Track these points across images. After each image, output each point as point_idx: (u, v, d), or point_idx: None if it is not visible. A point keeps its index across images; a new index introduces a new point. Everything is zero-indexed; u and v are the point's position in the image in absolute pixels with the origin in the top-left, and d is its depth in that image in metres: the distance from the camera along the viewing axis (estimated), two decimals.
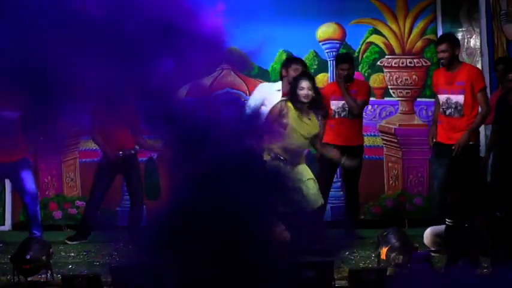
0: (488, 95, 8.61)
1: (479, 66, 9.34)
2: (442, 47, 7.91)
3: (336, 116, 8.90)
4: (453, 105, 7.74)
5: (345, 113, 8.90)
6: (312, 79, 7.71)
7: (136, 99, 5.73)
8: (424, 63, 10.17)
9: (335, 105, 8.90)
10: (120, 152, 8.97)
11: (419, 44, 10.18)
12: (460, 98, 7.72)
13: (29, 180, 7.75)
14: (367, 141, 10.07)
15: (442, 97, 7.85)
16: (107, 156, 8.98)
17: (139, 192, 9.17)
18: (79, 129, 9.90)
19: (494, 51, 8.79)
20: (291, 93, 7.67)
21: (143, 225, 9.42)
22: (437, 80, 8.04)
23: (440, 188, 8.00)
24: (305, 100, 7.54)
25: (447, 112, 7.79)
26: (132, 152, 9.12)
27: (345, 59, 9.10)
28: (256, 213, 5.32)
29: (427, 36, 10.13)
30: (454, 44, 7.93)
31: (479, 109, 7.90)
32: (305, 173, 7.57)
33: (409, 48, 10.19)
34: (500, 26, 8.80)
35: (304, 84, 7.57)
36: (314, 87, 7.61)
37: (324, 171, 8.71)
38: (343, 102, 8.87)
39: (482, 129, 8.88)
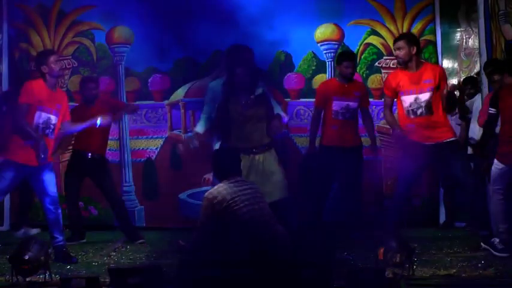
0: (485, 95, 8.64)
1: (477, 66, 9.35)
2: (399, 44, 7.78)
3: (340, 118, 8.88)
4: (423, 104, 7.69)
5: (349, 114, 8.89)
6: None
7: None
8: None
9: (338, 105, 8.89)
10: (89, 154, 8.99)
11: None
12: (427, 96, 7.68)
13: (50, 184, 7.75)
14: (365, 141, 10.08)
15: (409, 98, 7.75)
16: (76, 156, 9.07)
17: (113, 192, 9.16)
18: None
19: (492, 52, 8.78)
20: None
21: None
22: (399, 81, 7.82)
23: (407, 189, 7.95)
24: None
25: (418, 112, 7.71)
26: (100, 156, 9.10)
27: (349, 57, 9.09)
28: None
29: (425, 37, 10.14)
30: (411, 42, 7.77)
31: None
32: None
33: None
34: (499, 26, 8.79)
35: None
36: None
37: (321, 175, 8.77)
38: (347, 103, 8.86)
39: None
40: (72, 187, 9.07)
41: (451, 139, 7.72)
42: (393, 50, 8.13)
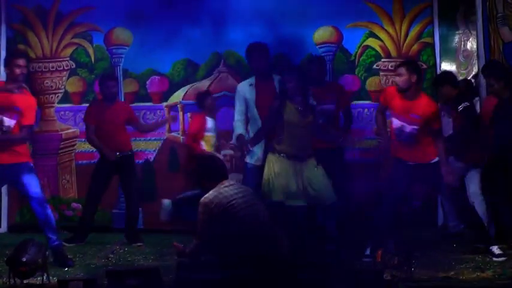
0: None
1: (475, 68, 9.35)
2: (399, 70, 7.74)
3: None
4: (407, 135, 7.69)
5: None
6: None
7: None
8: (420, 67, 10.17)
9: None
10: (118, 153, 9.01)
11: (415, 47, 10.18)
12: (414, 129, 7.66)
13: (32, 185, 7.70)
14: (364, 144, 10.09)
15: (396, 121, 7.74)
16: (105, 157, 9.01)
17: (135, 193, 9.18)
18: (75, 130, 9.97)
19: (490, 54, 8.78)
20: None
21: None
22: (392, 101, 7.80)
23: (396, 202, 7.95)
24: None
25: (400, 138, 7.72)
26: (129, 153, 9.17)
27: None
28: None
29: (424, 40, 10.14)
30: (412, 70, 7.72)
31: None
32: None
33: (405, 52, 10.19)
34: (497, 29, 8.80)
35: None
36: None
37: None
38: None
39: None
40: (97, 190, 9.05)
41: (435, 160, 7.73)
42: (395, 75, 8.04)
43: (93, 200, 9.10)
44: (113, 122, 9.02)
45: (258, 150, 8.42)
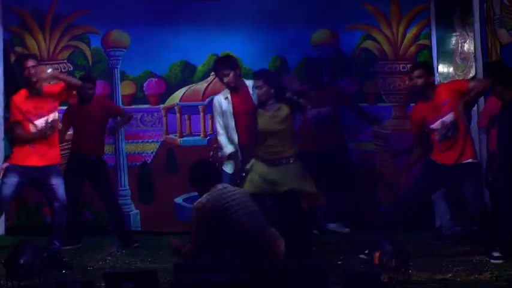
0: (482, 99, 8.62)
1: (473, 70, 9.35)
2: (418, 72, 7.73)
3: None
4: (451, 125, 7.68)
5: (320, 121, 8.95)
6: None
7: None
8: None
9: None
10: (87, 156, 8.99)
11: (412, 49, 10.19)
12: (452, 117, 7.67)
13: (59, 188, 7.77)
14: (360, 146, 10.10)
15: (436, 124, 7.75)
16: (73, 160, 9.07)
17: (111, 195, 9.18)
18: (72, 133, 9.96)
19: (488, 56, 8.79)
20: None
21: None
22: (423, 116, 7.79)
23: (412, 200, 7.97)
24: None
25: (449, 134, 7.72)
26: (97, 157, 9.11)
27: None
28: None
29: (421, 42, 10.16)
30: (429, 71, 7.81)
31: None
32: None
33: (403, 54, 10.20)
34: (494, 31, 8.80)
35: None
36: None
37: None
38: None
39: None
40: (72, 190, 9.04)
41: (468, 161, 7.73)
42: (410, 79, 7.93)
43: (69, 202, 9.03)
44: (88, 123, 8.98)
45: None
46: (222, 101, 8.27)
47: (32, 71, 7.71)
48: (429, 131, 7.79)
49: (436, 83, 9.13)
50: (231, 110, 8.19)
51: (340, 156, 9.28)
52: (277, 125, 7.65)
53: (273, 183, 7.56)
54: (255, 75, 8.00)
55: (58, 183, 7.80)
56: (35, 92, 7.76)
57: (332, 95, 9.12)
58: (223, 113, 8.25)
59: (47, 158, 7.80)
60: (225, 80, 8.20)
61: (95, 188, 9.16)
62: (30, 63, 7.74)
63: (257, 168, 7.63)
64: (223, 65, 8.27)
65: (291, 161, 7.65)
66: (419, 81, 7.72)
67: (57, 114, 7.91)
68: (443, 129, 7.68)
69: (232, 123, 8.18)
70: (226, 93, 8.31)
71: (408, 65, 10.06)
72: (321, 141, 9.10)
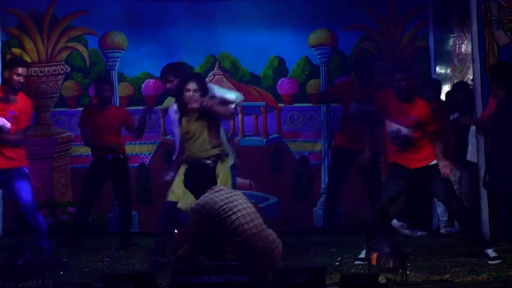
0: (480, 101, 8.62)
1: (470, 72, 9.35)
2: (401, 75, 7.73)
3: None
4: (403, 138, 7.69)
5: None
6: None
7: None
8: (413, 70, 10.19)
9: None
10: (109, 156, 9.02)
11: (409, 50, 10.21)
12: (410, 132, 7.66)
13: (23, 191, 7.71)
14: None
15: (392, 125, 7.75)
16: (97, 161, 9.06)
17: (128, 197, 9.20)
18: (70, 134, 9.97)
19: (485, 57, 8.79)
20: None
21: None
22: (388, 104, 7.80)
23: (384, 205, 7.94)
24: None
25: (396, 142, 7.73)
26: (121, 156, 9.16)
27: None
28: None
29: (418, 43, 10.17)
30: (413, 75, 7.85)
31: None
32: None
33: (399, 55, 10.21)
34: (492, 32, 8.81)
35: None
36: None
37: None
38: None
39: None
40: (90, 193, 9.07)
41: (433, 163, 7.73)
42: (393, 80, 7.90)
43: (86, 204, 9.11)
44: (107, 125, 9.05)
45: None
46: (173, 112, 8.07)
47: (22, 79, 7.70)
48: (384, 124, 7.84)
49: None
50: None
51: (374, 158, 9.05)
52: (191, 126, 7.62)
53: None
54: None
55: (21, 187, 7.71)
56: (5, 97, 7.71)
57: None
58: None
59: (11, 160, 7.75)
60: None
61: (114, 186, 9.20)
62: (22, 71, 7.73)
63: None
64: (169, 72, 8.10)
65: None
66: (403, 84, 7.71)
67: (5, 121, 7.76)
68: (393, 135, 7.71)
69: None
70: (174, 105, 8.10)
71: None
72: (359, 140, 8.71)
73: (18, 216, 9.68)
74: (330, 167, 9.62)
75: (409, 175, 7.72)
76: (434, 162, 7.70)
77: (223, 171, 7.50)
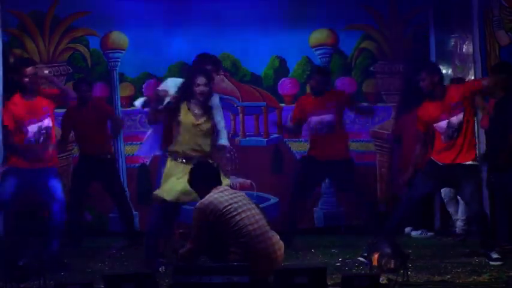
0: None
1: (471, 72, 9.35)
2: (421, 75, 7.73)
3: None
4: (456, 126, 7.67)
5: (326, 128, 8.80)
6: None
7: None
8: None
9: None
10: (97, 155, 9.02)
11: (410, 50, 10.22)
12: (460, 117, 7.67)
13: (57, 189, 7.79)
14: (360, 146, 10.10)
15: (441, 124, 7.72)
16: (82, 161, 9.14)
17: (122, 195, 9.21)
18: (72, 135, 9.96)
19: (486, 58, 8.79)
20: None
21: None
22: (428, 115, 7.78)
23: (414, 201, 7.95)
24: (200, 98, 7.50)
25: (454, 135, 7.71)
26: (108, 156, 9.16)
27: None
28: None
29: (417, 44, 10.18)
30: (432, 71, 7.77)
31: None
32: None
33: (400, 56, 10.22)
34: (493, 32, 8.81)
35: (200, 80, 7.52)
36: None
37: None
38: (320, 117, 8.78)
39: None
40: (79, 192, 9.07)
41: (468, 163, 7.73)
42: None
43: (75, 204, 9.03)
44: (87, 124, 9.02)
45: None
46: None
47: (32, 78, 7.72)
48: (434, 130, 7.80)
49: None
50: None
51: (349, 165, 9.02)
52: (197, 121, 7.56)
53: None
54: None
55: (55, 185, 7.80)
56: (28, 97, 7.75)
57: (334, 101, 8.95)
58: None
59: (44, 160, 7.79)
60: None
61: (105, 187, 9.20)
62: (31, 70, 7.74)
63: None
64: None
65: None
66: (424, 84, 7.73)
67: (50, 120, 7.86)
68: (449, 129, 7.68)
69: None
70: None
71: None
72: (325, 149, 8.73)
73: (20, 217, 9.69)
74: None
75: (442, 173, 7.72)
76: (470, 162, 7.70)
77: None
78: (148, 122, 7.95)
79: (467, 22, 9.32)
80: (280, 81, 10.24)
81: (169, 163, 7.43)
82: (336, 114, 8.76)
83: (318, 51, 10.21)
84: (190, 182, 6.65)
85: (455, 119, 7.64)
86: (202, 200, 6.37)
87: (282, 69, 10.20)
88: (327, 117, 8.70)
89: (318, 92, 8.83)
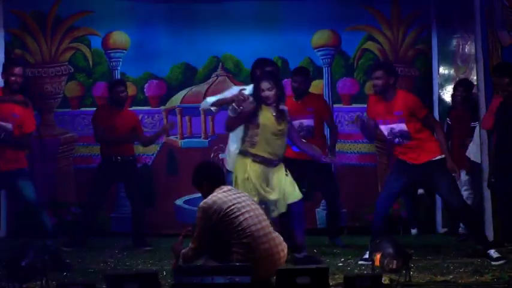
0: (484, 101, 8.62)
1: (474, 72, 9.35)
2: (377, 73, 7.68)
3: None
4: (398, 135, 7.67)
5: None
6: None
7: None
8: (413, 73, 10.22)
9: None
10: (119, 158, 9.02)
11: (410, 53, 10.22)
12: (402, 127, 7.65)
13: (27, 190, 7.73)
14: (362, 148, 10.10)
15: (384, 127, 7.72)
16: (105, 162, 9.10)
17: (139, 197, 9.21)
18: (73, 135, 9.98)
19: (489, 58, 8.78)
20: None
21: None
22: (374, 108, 7.80)
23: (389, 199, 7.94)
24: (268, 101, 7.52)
25: (395, 141, 7.71)
26: (131, 158, 9.18)
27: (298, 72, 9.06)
28: None
29: (418, 46, 10.17)
30: (389, 72, 7.71)
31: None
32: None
33: (401, 57, 10.23)
34: (495, 33, 8.81)
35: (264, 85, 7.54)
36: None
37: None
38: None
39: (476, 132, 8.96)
40: (98, 194, 9.06)
41: (436, 158, 7.71)
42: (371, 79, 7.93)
43: (93, 205, 9.08)
44: (119, 128, 9.03)
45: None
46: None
47: (19, 79, 7.66)
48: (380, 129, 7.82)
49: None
50: None
51: (327, 166, 8.97)
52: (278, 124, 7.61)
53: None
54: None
55: (26, 186, 7.74)
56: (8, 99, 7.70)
57: (314, 107, 8.93)
58: None
59: (10, 161, 7.75)
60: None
61: (125, 187, 9.26)
62: (18, 71, 7.67)
63: None
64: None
65: None
66: (379, 82, 7.69)
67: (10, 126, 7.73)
68: (390, 135, 7.70)
69: None
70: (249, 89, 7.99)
71: (406, 69, 10.15)
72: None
73: (22, 217, 9.70)
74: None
75: (411, 171, 7.71)
76: (438, 157, 7.68)
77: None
78: (227, 130, 7.89)
79: (469, 22, 9.32)
80: (283, 82, 10.19)
81: (249, 164, 7.50)
82: (314, 119, 8.81)
83: (320, 52, 10.22)
84: (193, 181, 6.64)
85: (397, 127, 7.64)
86: (205, 200, 6.36)
87: (284, 70, 10.18)
88: (306, 121, 8.75)
89: (299, 94, 8.84)
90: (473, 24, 8.95)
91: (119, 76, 10.15)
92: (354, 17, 10.22)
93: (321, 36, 10.26)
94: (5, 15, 9.98)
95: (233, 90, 7.99)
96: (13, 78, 7.61)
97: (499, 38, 8.79)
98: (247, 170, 7.46)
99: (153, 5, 10.05)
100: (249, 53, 10.05)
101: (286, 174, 7.59)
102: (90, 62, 10.20)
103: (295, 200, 7.58)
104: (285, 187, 7.54)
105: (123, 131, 9.09)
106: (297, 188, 7.62)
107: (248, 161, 7.48)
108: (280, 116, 7.53)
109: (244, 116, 7.51)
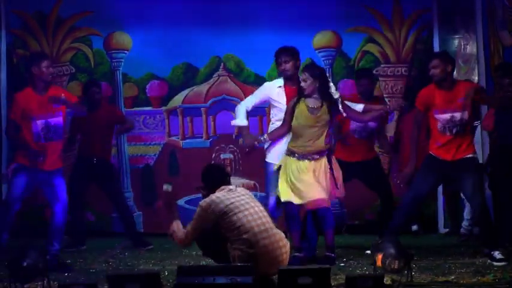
0: None
1: (475, 72, 9.35)
2: (435, 62, 7.66)
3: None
4: (459, 123, 7.62)
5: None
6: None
7: None
8: (414, 73, 10.22)
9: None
10: (94, 159, 9.01)
11: (413, 52, 10.21)
12: (465, 115, 7.62)
13: (61, 189, 7.80)
14: None
15: (444, 116, 7.69)
16: (80, 163, 9.13)
17: (121, 197, 9.22)
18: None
19: (490, 58, 8.79)
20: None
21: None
22: (432, 99, 7.71)
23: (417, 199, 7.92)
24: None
25: (454, 130, 7.65)
26: (105, 158, 9.15)
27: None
28: None
29: (420, 46, 10.16)
30: (446, 60, 7.70)
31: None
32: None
33: (404, 57, 10.21)
34: (497, 33, 8.81)
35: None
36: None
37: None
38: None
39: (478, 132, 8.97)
40: (77, 192, 9.05)
41: (470, 155, 7.72)
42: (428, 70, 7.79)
43: (74, 204, 9.02)
44: (97, 127, 8.99)
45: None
46: (274, 89, 8.08)
47: (47, 71, 7.72)
48: (433, 119, 7.74)
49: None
50: (284, 101, 7.95)
51: (377, 165, 8.98)
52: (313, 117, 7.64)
53: None
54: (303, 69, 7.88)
55: (60, 185, 7.82)
56: (40, 91, 7.75)
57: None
58: (266, 101, 8.20)
59: (51, 159, 7.80)
60: (282, 67, 8.02)
61: (103, 190, 9.19)
62: (46, 64, 7.74)
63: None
64: (285, 52, 8.08)
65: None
66: (436, 71, 7.66)
67: (61, 119, 7.88)
68: (450, 123, 7.64)
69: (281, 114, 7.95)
70: (280, 82, 8.11)
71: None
72: (359, 153, 8.70)
73: (23, 217, 9.70)
74: None
75: (442, 168, 7.70)
76: (470, 155, 7.68)
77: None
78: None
79: (471, 22, 9.33)
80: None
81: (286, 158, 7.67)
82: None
83: (321, 54, 10.22)
84: (204, 181, 6.72)
85: (459, 115, 7.60)
86: (205, 199, 6.44)
87: None
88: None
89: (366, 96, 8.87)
90: (474, 24, 8.97)
91: (120, 77, 10.15)
92: (355, 18, 10.20)
93: (322, 38, 10.25)
94: (6, 16, 9.99)
95: (263, 89, 8.17)
96: (47, 70, 7.73)
97: (501, 38, 8.80)
98: (287, 169, 7.59)
99: (155, 5, 10.04)
100: (251, 53, 10.08)
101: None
102: (92, 63, 10.21)
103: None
104: (322, 181, 7.62)
105: (100, 134, 9.05)
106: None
107: (289, 159, 7.62)
108: (316, 108, 7.54)
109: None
